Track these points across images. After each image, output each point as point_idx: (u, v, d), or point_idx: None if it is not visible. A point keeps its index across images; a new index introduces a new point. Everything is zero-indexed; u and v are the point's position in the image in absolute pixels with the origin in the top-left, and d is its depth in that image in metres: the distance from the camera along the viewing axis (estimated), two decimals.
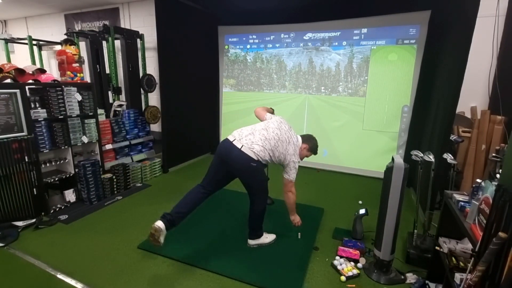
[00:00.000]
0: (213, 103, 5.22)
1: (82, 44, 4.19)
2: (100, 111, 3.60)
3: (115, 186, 3.45)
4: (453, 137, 2.82)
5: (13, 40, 4.83)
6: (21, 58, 5.68)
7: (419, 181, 2.33)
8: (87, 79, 4.52)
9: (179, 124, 4.43)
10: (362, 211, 2.59)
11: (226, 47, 5.04)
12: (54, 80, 3.05)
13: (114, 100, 4.50)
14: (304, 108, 4.63)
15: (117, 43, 4.57)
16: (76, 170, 3.15)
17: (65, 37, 4.07)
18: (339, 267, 2.14)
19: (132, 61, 4.52)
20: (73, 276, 2.05)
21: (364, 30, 4.10)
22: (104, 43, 4.38)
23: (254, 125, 2.33)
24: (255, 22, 4.67)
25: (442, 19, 3.43)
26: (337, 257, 2.25)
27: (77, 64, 3.27)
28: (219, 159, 2.24)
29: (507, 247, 1.00)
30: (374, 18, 3.99)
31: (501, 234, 1.01)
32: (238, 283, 2.01)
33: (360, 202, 3.33)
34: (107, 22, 5.66)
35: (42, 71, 3.09)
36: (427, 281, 1.94)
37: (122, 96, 4.65)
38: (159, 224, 2.03)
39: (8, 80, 2.76)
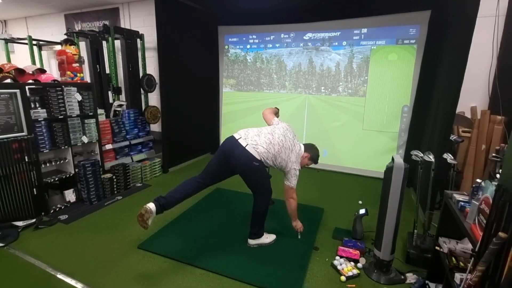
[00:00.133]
0: (213, 103, 5.22)
1: (82, 44, 4.20)
2: (100, 111, 3.60)
3: (115, 186, 3.45)
4: (453, 137, 2.82)
5: (13, 40, 4.84)
6: (21, 58, 5.68)
7: (419, 181, 2.33)
8: (87, 79, 4.52)
9: (179, 124, 4.43)
10: (362, 211, 2.59)
11: (226, 47, 5.04)
12: (54, 80, 3.05)
13: (114, 100, 4.50)
14: (304, 108, 4.64)
15: (117, 43, 4.57)
16: (76, 170, 3.15)
17: (65, 37, 4.07)
18: (339, 267, 2.14)
19: (132, 61, 4.52)
20: (73, 276, 2.05)
21: (364, 30, 4.10)
22: (104, 43, 4.38)
23: (261, 128, 2.36)
24: (255, 22, 4.67)
25: (442, 19, 3.44)
26: (337, 257, 2.25)
27: (77, 64, 3.27)
28: (222, 155, 2.26)
29: (507, 247, 1.00)
30: (374, 18, 3.99)
31: (501, 234, 1.01)
32: (238, 283, 2.01)
33: (360, 202, 3.33)
34: (107, 22, 5.66)
35: (42, 71, 3.09)
36: (427, 281, 1.94)
37: (122, 96, 4.65)
38: (150, 205, 2.06)
39: (8, 80, 2.76)
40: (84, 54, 4.04)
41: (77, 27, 6.03)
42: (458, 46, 2.64)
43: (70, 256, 2.28)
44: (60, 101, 2.99)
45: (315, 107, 4.57)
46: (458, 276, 1.39)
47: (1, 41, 5.57)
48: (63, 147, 3.04)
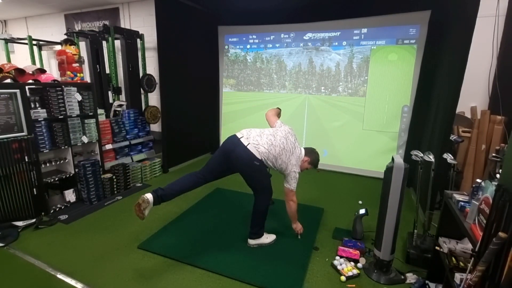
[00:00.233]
0: (213, 103, 5.22)
1: (82, 44, 4.19)
2: (100, 111, 3.60)
3: (115, 186, 3.45)
4: (453, 137, 2.82)
5: (13, 40, 4.83)
6: (21, 58, 5.68)
7: (419, 181, 2.33)
8: (87, 79, 4.52)
9: (179, 124, 4.43)
10: (362, 211, 2.59)
11: (226, 47, 5.04)
12: (54, 80, 3.05)
13: (114, 100, 4.50)
14: (304, 108, 4.64)
15: (117, 43, 4.57)
16: (76, 170, 3.15)
17: (65, 37, 4.07)
18: (339, 267, 2.14)
19: (132, 61, 4.52)
20: (73, 276, 2.05)
21: (364, 30, 4.10)
22: (104, 43, 4.38)
23: (263, 129, 2.38)
24: (255, 22, 4.67)
25: (442, 19, 3.44)
26: (337, 257, 2.25)
27: (77, 64, 3.27)
28: (223, 152, 2.28)
29: (507, 247, 1.00)
30: (374, 18, 3.99)
31: (501, 234, 1.01)
32: (238, 283, 2.01)
33: (360, 202, 3.33)
34: (107, 22, 5.66)
35: (42, 71, 3.09)
36: (427, 281, 1.94)
37: (122, 96, 4.65)
38: (148, 195, 2.09)
39: (8, 80, 2.76)
40: (84, 54, 4.04)
41: (77, 27, 6.02)
42: (458, 46, 2.64)
43: (70, 256, 2.28)
44: (60, 101, 2.99)
45: (315, 107, 4.57)
46: (458, 276, 1.39)
47: (1, 41, 5.57)
48: (63, 147, 3.04)
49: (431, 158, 2.16)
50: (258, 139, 2.24)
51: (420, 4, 3.67)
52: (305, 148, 2.49)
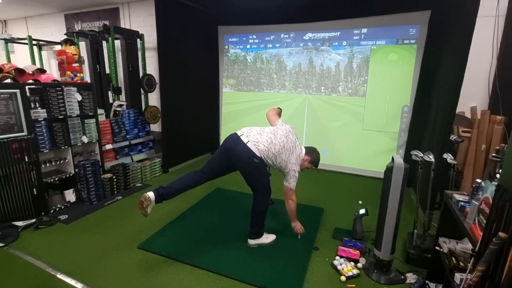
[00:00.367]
0: (213, 103, 5.22)
1: (82, 44, 4.19)
2: (100, 111, 3.60)
3: (115, 186, 3.45)
4: (453, 137, 2.82)
5: (13, 40, 4.83)
6: (21, 58, 5.68)
7: (419, 181, 2.33)
8: (87, 79, 4.52)
9: (179, 124, 4.43)
10: (362, 211, 2.59)
11: (226, 47, 5.04)
12: (54, 80, 3.05)
13: (114, 100, 4.50)
14: (304, 108, 4.64)
15: (117, 43, 4.57)
16: (76, 170, 3.15)
17: (65, 37, 4.07)
18: (339, 267, 2.14)
19: (132, 61, 4.52)
20: (73, 276, 2.05)
21: (364, 30, 4.10)
22: (104, 43, 4.38)
23: (263, 127, 2.39)
24: (255, 22, 4.67)
25: (442, 19, 3.44)
26: (337, 257, 2.25)
27: (77, 64, 3.27)
28: (224, 150, 2.30)
29: (507, 247, 1.00)
30: (374, 18, 3.99)
31: (501, 234, 1.01)
32: (238, 283, 2.01)
33: (360, 202, 3.33)
34: (107, 22, 5.66)
35: (42, 71, 3.09)
36: (427, 281, 1.94)
37: (122, 96, 4.65)
38: (150, 194, 2.14)
39: (8, 80, 2.76)
40: (84, 54, 4.04)
41: (77, 27, 6.02)
42: (458, 46, 2.64)
43: (70, 256, 2.28)
44: (60, 101, 2.99)
45: (315, 107, 4.57)
46: (458, 276, 1.39)
47: (1, 41, 5.57)
48: (63, 147, 3.04)
49: (431, 158, 2.16)
50: (258, 137, 2.25)
51: (420, 4, 3.67)
52: (306, 147, 2.49)
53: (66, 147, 3.07)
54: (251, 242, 2.42)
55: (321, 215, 3.03)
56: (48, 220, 2.76)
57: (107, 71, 4.46)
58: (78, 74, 3.25)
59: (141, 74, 4.72)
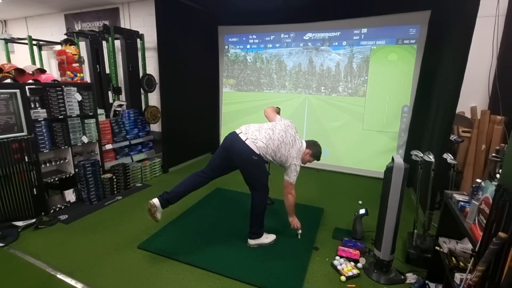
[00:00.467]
0: (213, 103, 5.22)
1: (82, 44, 4.19)
2: (100, 111, 3.60)
3: (115, 186, 3.45)
4: (453, 137, 2.82)
5: (13, 40, 4.83)
6: (21, 58, 5.68)
7: (419, 181, 2.33)
8: (87, 79, 4.52)
9: (179, 124, 4.43)
10: (362, 211, 2.59)
11: (226, 47, 5.04)
12: (54, 80, 3.05)
13: (114, 100, 4.50)
14: (304, 108, 4.64)
15: (117, 43, 4.57)
16: (76, 170, 3.15)
17: (65, 37, 4.07)
18: (339, 267, 2.14)
19: (132, 61, 4.52)
20: (73, 276, 2.05)
21: (364, 30, 4.10)
22: (104, 43, 4.38)
23: (262, 123, 2.40)
24: (255, 22, 4.67)
25: (442, 19, 3.43)
26: (337, 257, 2.25)
27: (77, 64, 3.27)
28: (224, 149, 2.32)
29: (507, 247, 1.00)
30: (374, 18, 3.99)
31: (501, 234, 1.01)
32: (238, 283, 2.01)
33: (360, 202, 3.33)
34: (107, 22, 5.66)
35: (42, 71, 3.09)
36: (427, 281, 1.94)
37: (122, 96, 4.65)
38: (154, 200, 2.20)
39: (8, 80, 2.76)
40: (84, 54, 4.04)
41: (77, 27, 6.02)
42: (458, 46, 2.64)
43: (70, 256, 2.28)
44: (60, 101, 2.99)
45: (315, 107, 4.57)
46: (458, 276, 1.39)
47: (1, 41, 5.57)
48: (63, 147, 3.04)
49: (431, 158, 2.16)
50: (256, 134, 2.26)
51: (420, 4, 3.67)
52: (306, 141, 2.49)
53: (66, 147, 3.07)
54: (251, 242, 2.42)
55: (321, 215, 3.03)
56: (48, 220, 2.76)
57: (107, 71, 4.47)
58: (78, 74, 3.25)
59: (141, 74, 4.72)
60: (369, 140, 4.25)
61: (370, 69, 4.14)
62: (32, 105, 2.83)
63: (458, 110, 2.67)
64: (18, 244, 2.43)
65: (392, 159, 1.97)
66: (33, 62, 4.51)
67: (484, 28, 3.34)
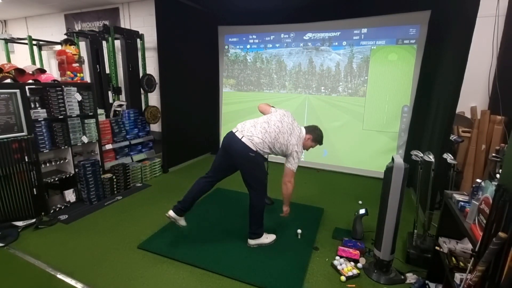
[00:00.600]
0: (213, 103, 5.22)
1: (82, 44, 4.19)
2: (100, 111, 3.60)
3: (115, 186, 3.45)
4: (453, 137, 2.82)
5: (13, 40, 4.83)
6: (21, 58, 5.68)
7: (419, 181, 2.33)
8: (87, 79, 4.52)
9: (179, 124, 4.43)
10: (362, 211, 2.59)
11: (226, 47, 5.04)
12: (54, 80, 3.05)
13: (114, 100, 4.50)
14: (304, 108, 4.63)
15: (117, 43, 4.57)
16: (76, 170, 3.15)
17: (65, 37, 4.07)
18: (339, 267, 2.14)
19: (132, 61, 4.52)
20: (73, 276, 2.05)
21: (364, 30, 4.10)
22: (104, 43, 4.38)
23: (257, 118, 2.41)
24: (255, 22, 4.66)
25: (442, 19, 3.43)
26: (337, 257, 2.25)
27: (77, 64, 3.27)
28: (223, 149, 2.35)
29: (507, 247, 1.00)
30: (374, 18, 3.99)
31: (501, 234, 1.01)
32: (238, 283, 2.01)
33: (360, 202, 3.33)
34: (107, 22, 5.66)
35: (42, 71, 3.09)
36: (427, 281, 1.94)
37: (122, 96, 4.65)
38: (170, 212, 2.36)
39: (8, 80, 2.76)
40: (84, 54, 4.04)
41: (77, 27, 6.02)
42: (458, 46, 2.64)
43: (70, 256, 2.28)
44: (60, 101, 2.99)
45: (315, 107, 4.56)
46: (458, 276, 1.39)
47: (1, 41, 5.57)
48: (63, 147, 3.04)
49: (431, 158, 2.16)
50: (252, 130, 2.27)
51: (420, 4, 3.67)
52: (305, 127, 2.49)
53: (66, 147, 3.07)
54: (251, 242, 2.42)
55: (321, 215, 3.03)
56: (48, 220, 2.76)
57: (107, 71, 4.46)
58: (78, 74, 3.25)
59: (141, 74, 4.72)
60: (369, 140, 4.25)
61: (370, 69, 4.14)
62: (32, 105, 2.83)
63: (458, 110, 2.67)
64: (18, 244, 2.43)
65: (392, 159, 1.97)
66: (33, 62, 4.51)
67: (484, 28, 3.34)
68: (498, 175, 1.51)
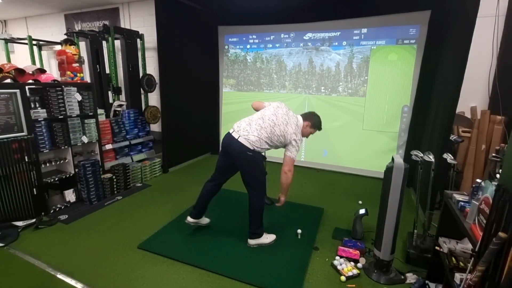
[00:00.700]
0: (213, 103, 5.22)
1: (82, 44, 4.19)
2: (100, 111, 3.60)
3: (115, 186, 3.45)
4: (453, 137, 2.82)
5: (13, 40, 4.84)
6: (21, 58, 5.69)
7: (419, 181, 2.33)
8: (87, 79, 4.52)
9: (179, 124, 4.43)
10: (362, 211, 2.59)
11: (226, 47, 5.04)
12: (54, 80, 3.06)
13: (114, 100, 4.50)
14: (304, 108, 4.63)
15: (117, 43, 4.57)
16: (76, 170, 3.15)
17: (65, 37, 4.07)
18: (339, 267, 2.14)
19: (132, 61, 4.52)
20: (73, 276, 2.05)
21: (364, 30, 4.10)
22: (104, 43, 4.38)
23: (252, 116, 2.41)
24: (255, 22, 4.67)
25: (442, 19, 3.43)
26: (337, 257, 2.25)
27: (77, 64, 3.27)
28: (223, 150, 2.38)
29: (507, 247, 1.00)
30: (374, 18, 3.99)
31: (501, 234, 1.01)
32: (238, 283, 2.01)
33: (360, 202, 3.33)
34: (107, 22, 5.66)
35: (42, 71, 3.09)
36: (427, 281, 1.94)
37: (122, 96, 4.65)
38: (188, 219, 2.53)
39: (8, 80, 2.76)
40: (84, 54, 4.04)
41: (77, 27, 6.03)
42: (458, 46, 2.64)
43: (70, 256, 2.28)
44: (60, 101, 2.99)
45: (315, 107, 4.56)
46: (458, 276, 1.39)
47: (1, 41, 5.57)
48: (63, 147, 3.04)
49: (431, 158, 2.16)
50: (247, 129, 2.28)
51: (420, 4, 3.67)
52: (302, 114, 2.47)
53: (66, 147, 3.07)
54: (251, 242, 2.42)
55: (321, 215, 3.03)
56: (48, 220, 2.76)
57: (107, 71, 4.47)
58: (78, 74, 3.25)
59: (141, 74, 4.72)
60: (369, 140, 4.25)
61: (370, 69, 4.14)
62: (32, 105, 2.83)
63: (458, 110, 2.67)
64: (18, 244, 2.43)
65: (392, 159, 1.97)
66: (33, 62, 4.51)
67: (484, 28, 3.34)
68: (498, 175, 1.51)
